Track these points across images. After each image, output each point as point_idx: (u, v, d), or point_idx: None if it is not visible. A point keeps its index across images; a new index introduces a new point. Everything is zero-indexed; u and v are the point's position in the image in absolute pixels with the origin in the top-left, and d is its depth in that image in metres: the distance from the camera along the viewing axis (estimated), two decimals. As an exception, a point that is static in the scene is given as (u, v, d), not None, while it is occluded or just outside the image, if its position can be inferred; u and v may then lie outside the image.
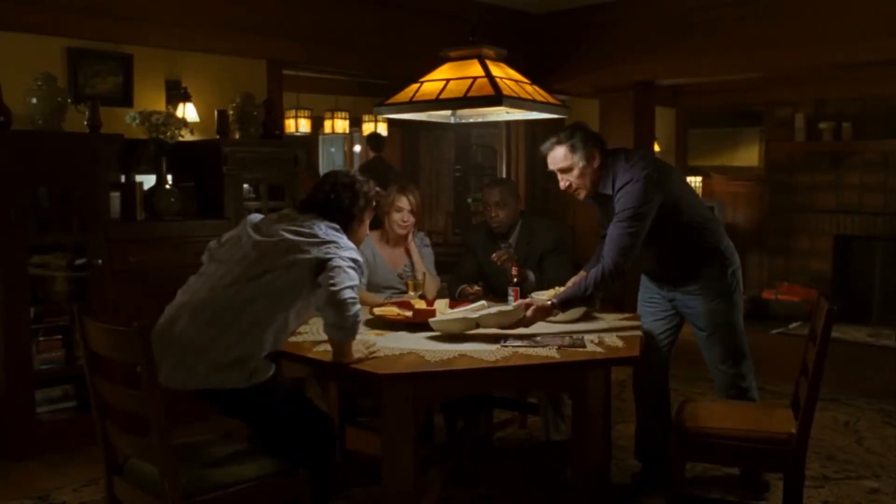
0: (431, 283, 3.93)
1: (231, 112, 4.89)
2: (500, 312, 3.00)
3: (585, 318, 3.42)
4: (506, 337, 2.97)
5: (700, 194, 8.33)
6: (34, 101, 4.07)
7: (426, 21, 5.86)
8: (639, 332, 3.14)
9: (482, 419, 3.88)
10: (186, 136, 4.83)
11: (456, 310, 3.42)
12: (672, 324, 3.50)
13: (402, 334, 3.10)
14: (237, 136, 4.93)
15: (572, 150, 3.14)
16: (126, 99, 4.69)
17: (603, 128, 6.84)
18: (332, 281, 2.53)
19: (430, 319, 3.00)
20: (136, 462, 2.50)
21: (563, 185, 3.24)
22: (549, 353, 2.76)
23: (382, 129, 9.27)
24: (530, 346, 2.85)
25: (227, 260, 2.72)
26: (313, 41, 5.47)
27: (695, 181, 8.35)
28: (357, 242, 2.82)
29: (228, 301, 2.57)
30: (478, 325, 2.97)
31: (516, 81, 3.04)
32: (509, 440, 4.35)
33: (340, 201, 2.79)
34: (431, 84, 3.05)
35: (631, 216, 3.04)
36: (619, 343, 2.94)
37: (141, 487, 2.44)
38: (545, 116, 3.29)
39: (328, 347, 2.75)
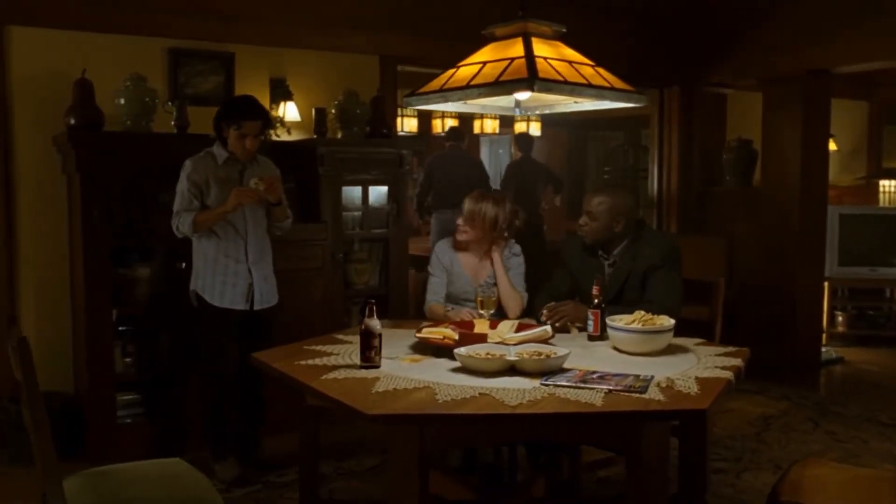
0: (511, 300, 3.47)
1: (333, 110, 4.67)
2: (544, 359, 2.51)
3: (673, 350, 2.83)
4: (552, 372, 2.47)
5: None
6: (122, 101, 4.03)
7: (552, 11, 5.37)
8: (728, 375, 2.51)
9: (564, 458, 3.35)
10: (283, 136, 4.68)
11: (523, 332, 2.96)
12: None
13: (442, 361, 2.68)
14: (339, 136, 4.70)
15: None
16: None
17: (766, 126, 6.01)
18: None
19: (456, 351, 2.56)
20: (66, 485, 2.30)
21: None
22: (592, 399, 2.23)
23: (535, 129, 8.81)
24: (575, 388, 2.33)
25: None
26: (428, 35, 5.15)
27: (890, 185, 7.19)
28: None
29: None
30: (513, 369, 2.50)
31: (570, 63, 2.51)
32: (610, 482, 3.78)
33: None
34: (467, 68, 2.59)
35: None
36: (693, 389, 2.34)
37: None
38: (618, 105, 2.73)
39: (337, 375, 2.43)
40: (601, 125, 10.55)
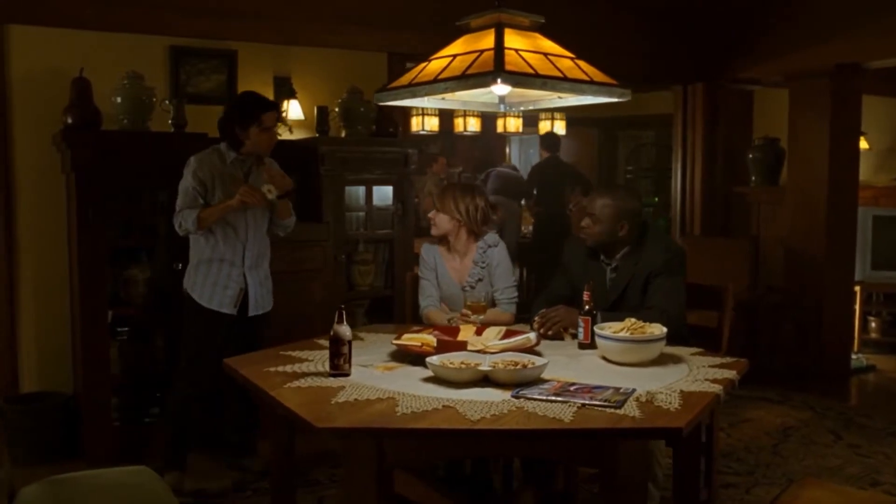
0: (493, 313, 3.34)
1: (336, 109, 4.58)
2: (519, 370, 2.37)
3: (665, 361, 2.67)
4: (527, 384, 2.34)
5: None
6: (118, 100, 3.99)
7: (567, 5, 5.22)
8: (717, 389, 2.35)
9: (559, 469, 3.20)
10: (286, 135, 4.60)
11: (506, 340, 2.83)
12: None
13: (417, 370, 2.55)
14: (343, 134, 4.60)
15: None
16: (230, 97, 4.52)
17: (793, 123, 5.78)
18: None
19: (428, 360, 2.44)
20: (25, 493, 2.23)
21: None
22: (561, 414, 2.09)
23: (560, 127, 8.64)
24: (546, 401, 2.19)
25: None
26: (438, 31, 4.97)
27: (929, 186, 6.88)
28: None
29: None
30: (487, 379, 2.37)
31: (546, 55, 2.37)
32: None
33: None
34: (438, 62, 2.47)
35: None
36: (674, 404, 2.19)
37: None
38: (599, 100, 2.58)
39: (302, 383, 2.32)
40: (631, 123, 10.31)
